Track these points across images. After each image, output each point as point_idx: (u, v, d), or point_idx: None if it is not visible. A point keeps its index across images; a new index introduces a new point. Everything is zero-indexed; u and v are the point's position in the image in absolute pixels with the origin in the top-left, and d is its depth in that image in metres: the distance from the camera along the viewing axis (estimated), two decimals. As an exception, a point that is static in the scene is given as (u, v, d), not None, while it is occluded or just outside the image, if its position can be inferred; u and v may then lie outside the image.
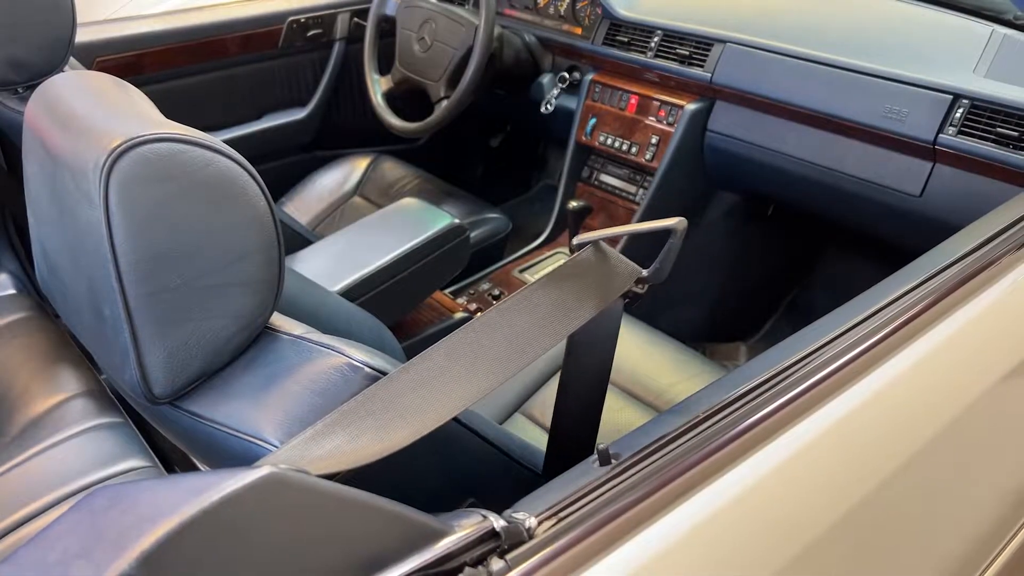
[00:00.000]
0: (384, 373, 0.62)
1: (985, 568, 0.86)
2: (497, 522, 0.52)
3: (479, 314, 0.59)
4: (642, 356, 1.34)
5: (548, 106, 1.80)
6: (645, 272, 0.73)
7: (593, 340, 0.74)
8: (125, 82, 0.77)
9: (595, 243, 0.72)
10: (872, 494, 0.70)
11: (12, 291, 1.55)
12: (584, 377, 0.76)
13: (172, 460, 1.24)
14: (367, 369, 0.61)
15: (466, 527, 0.51)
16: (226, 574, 0.42)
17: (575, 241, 0.73)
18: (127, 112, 0.65)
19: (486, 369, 0.62)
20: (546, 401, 1.32)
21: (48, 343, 1.41)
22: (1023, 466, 0.90)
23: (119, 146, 0.58)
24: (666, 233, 0.72)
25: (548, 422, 1.30)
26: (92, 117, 0.63)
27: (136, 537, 0.41)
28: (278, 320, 0.69)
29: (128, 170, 0.57)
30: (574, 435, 0.77)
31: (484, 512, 0.53)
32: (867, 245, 1.83)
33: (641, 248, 1.67)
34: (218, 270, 0.61)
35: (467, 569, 0.49)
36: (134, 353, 0.61)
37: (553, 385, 1.33)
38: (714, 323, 1.85)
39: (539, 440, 1.28)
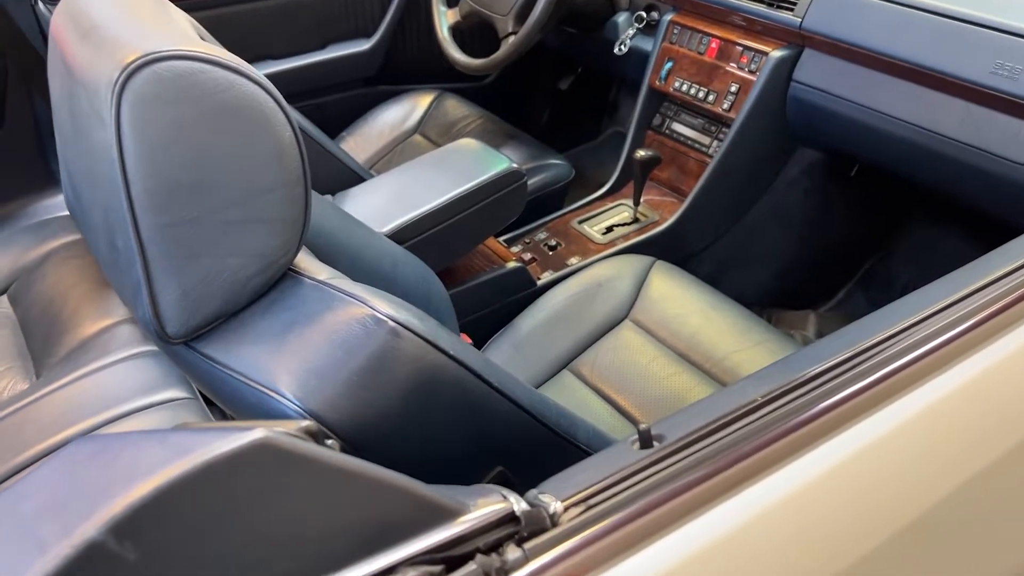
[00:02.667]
0: (410, 327, 0.56)
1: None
2: (518, 504, 0.46)
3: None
4: (702, 319, 1.26)
5: (622, 47, 1.69)
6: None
7: None
8: None
9: None
10: (950, 499, 0.62)
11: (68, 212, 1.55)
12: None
13: (212, 394, 1.23)
14: (391, 323, 0.56)
15: (482, 507, 0.45)
16: (206, 546, 0.38)
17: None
18: (152, 26, 0.60)
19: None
20: (597, 360, 1.25)
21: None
22: None
23: (133, 62, 0.52)
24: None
25: (598, 382, 1.25)
26: (112, 29, 0.58)
27: (109, 499, 0.37)
28: (303, 262, 0.64)
29: (141, 89, 0.52)
30: None
31: (504, 492, 0.47)
32: (958, 216, 1.69)
33: (702, 217, 1.58)
34: (237, 204, 0.56)
35: (479, 556, 0.44)
36: (146, 288, 0.57)
37: (608, 342, 1.27)
38: (783, 288, 1.75)
39: (585, 401, 1.23)
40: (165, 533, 0.37)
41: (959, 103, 1.22)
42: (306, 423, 0.46)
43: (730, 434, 0.53)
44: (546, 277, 1.47)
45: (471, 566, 0.43)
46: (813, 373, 0.59)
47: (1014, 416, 0.67)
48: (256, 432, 0.39)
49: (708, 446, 0.52)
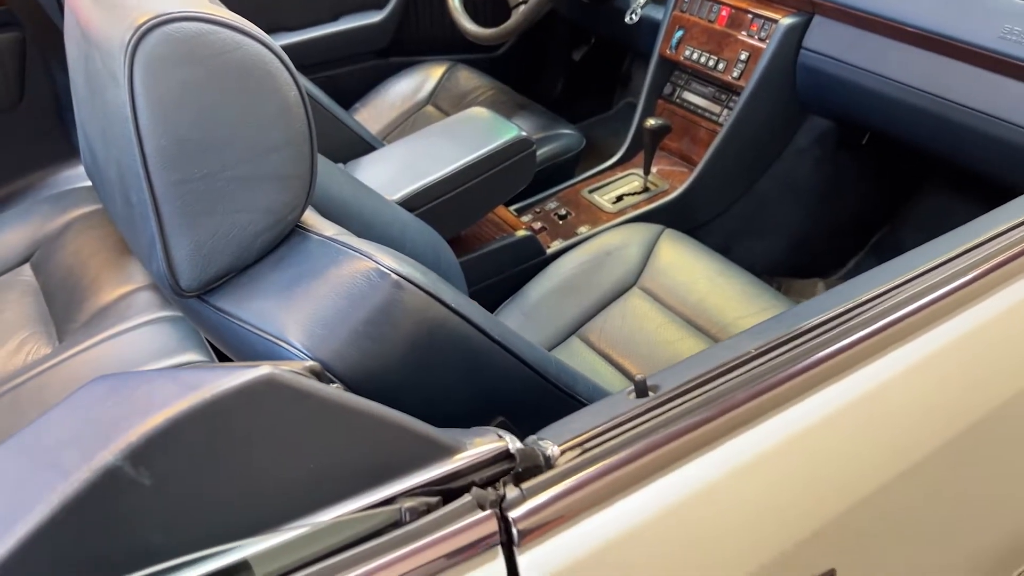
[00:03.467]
0: (412, 280, 0.58)
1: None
2: (513, 443, 0.48)
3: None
4: (710, 286, 1.27)
5: (633, 16, 1.69)
6: None
7: None
8: None
9: None
10: (942, 450, 0.64)
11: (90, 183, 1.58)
12: None
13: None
14: (394, 276, 0.58)
15: (478, 445, 0.48)
16: (216, 474, 0.41)
17: None
18: (163, -11, 0.61)
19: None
20: (605, 326, 1.27)
21: (120, 235, 1.44)
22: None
23: (145, 23, 0.54)
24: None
25: (606, 348, 1.27)
26: (125, -7, 0.60)
27: (125, 429, 0.40)
28: (311, 219, 0.66)
29: (153, 50, 0.54)
30: None
31: (501, 432, 0.50)
32: (970, 184, 1.69)
33: (712, 186, 1.58)
34: (246, 161, 0.58)
35: (475, 489, 0.46)
36: (160, 243, 0.59)
37: (616, 309, 1.28)
38: (793, 257, 1.75)
39: (592, 366, 1.25)
40: (178, 461, 0.40)
41: (968, 68, 1.21)
42: (310, 363, 0.48)
43: (722, 384, 0.55)
44: (556, 246, 1.48)
45: (466, 498, 0.45)
46: (807, 327, 0.60)
47: (1008, 370, 0.69)
48: (262, 369, 0.42)
49: (701, 395, 0.54)
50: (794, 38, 1.43)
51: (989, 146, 1.24)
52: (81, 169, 1.62)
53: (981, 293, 0.66)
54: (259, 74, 0.57)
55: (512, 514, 0.46)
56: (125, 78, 0.55)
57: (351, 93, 1.91)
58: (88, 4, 0.64)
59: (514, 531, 0.45)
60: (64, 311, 1.33)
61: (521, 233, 1.43)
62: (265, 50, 0.58)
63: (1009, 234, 0.69)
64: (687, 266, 1.31)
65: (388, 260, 0.59)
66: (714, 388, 0.55)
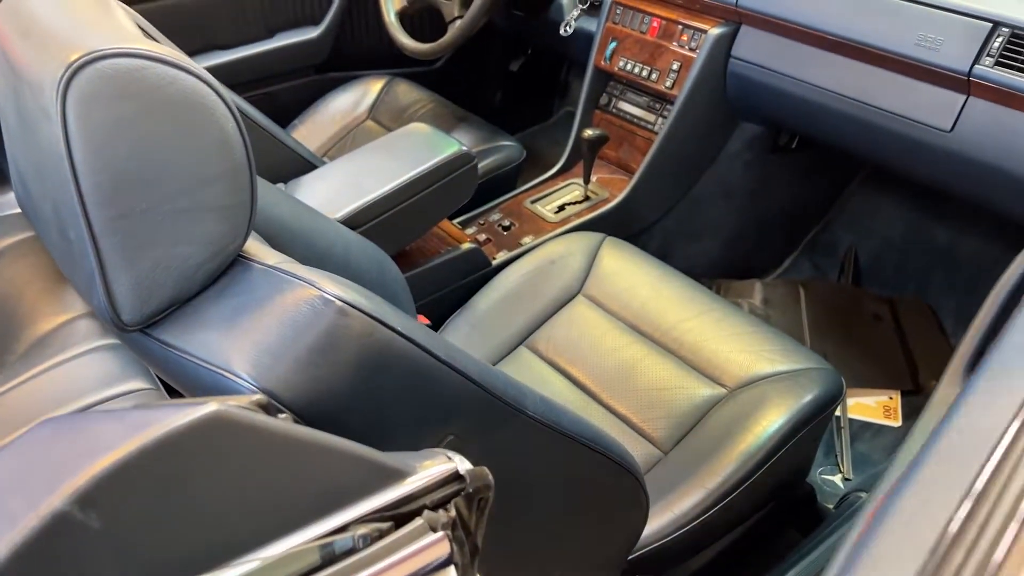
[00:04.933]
0: (356, 306, 0.59)
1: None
2: (462, 464, 0.50)
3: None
4: (651, 292, 1.30)
5: (567, 28, 1.72)
6: None
7: None
8: None
9: None
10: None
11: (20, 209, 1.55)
12: None
13: (173, 383, 1.24)
14: (338, 303, 0.59)
15: (428, 468, 0.49)
16: (167, 514, 0.41)
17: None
18: (93, 24, 0.61)
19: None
20: (552, 335, 1.29)
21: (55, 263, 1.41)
22: None
23: (76, 60, 0.54)
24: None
25: (554, 356, 1.29)
26: (54, 28, 0.60)
27: (72, 472, 0.40)
28: (253, 247, 0.66)
29: (86, 87, 0.54)
30: None
31: (450, 453, 0.51)
32: (894, 181, 1.76)
33: (650, 192, 1.62)
34: (185, 194, 0.58)
35: (426, 512, 0.47)
36: (100, 278, 0.59)
37: (562, 317, 1.31)
38: (730, 258, 1.81)
39: (541, 375, 1.27)
40: (127, 502, 0.40)
41: (887, 74, 1.27)
42: (257, 396, 0.49)
43: None
44: (501, 257, 1.50)
45: (418, 521, 0.46)
46: None
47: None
48: (209, 406, 0.42)
49: None
50: (723, 47, 1.48)
51: (909, 147, 1.30)
52: (11, 195, 1.58)
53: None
54: (195, 107, 0.57)
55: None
56: (58, 115, 0.55)
57: (289, 109, 1.90)
58: (16, 39, 0.63)
59: (467, 550, 0.47)
60: (0, 343, 1.30)
61: (466, 246, 1.44)
62: (200, 83, 0.58)
63: None
64: (629, 273, 1.34)
65: (331, 287, 0.60)
66: None
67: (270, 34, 1.91)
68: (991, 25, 1.14)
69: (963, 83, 1.17)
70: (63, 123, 0.55)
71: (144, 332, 0.63)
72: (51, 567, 0.38)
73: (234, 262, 0.64)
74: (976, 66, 1.15)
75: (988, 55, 1.14)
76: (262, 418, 0.44)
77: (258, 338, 0.59)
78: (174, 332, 0.62)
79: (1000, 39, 1.13)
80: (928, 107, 1.23)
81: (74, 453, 0.41)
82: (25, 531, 0.38)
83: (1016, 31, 1.12)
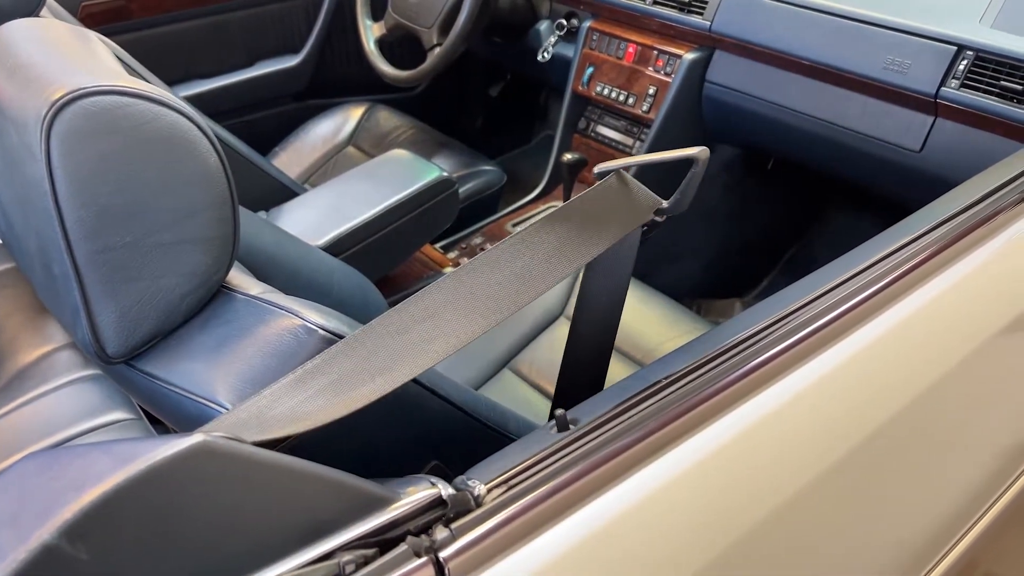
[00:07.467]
0: (340, 335, 0.60)
1: (978, 519, 0.85)
2: (445, 490, 0.51)
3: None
4: (632, 313, 1.32)
5: (545, 54, 1.75)
6: (666, 203, 0.71)
7: (610, 270, 0.73)
8: (89, 32, 0.75)
9: (618, 172, 0.70)
10: (854, 453, 0.69)
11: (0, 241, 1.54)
12: (598, 308, 0.75)
13: (156, 413, 1.24)
14: (321, 332, 0.60)
15: (412, 494, 0.50)
16: (155, 544, 0.42)
17: (597, 169, 0.71)
18: (76, 62, 0.62)
19: (482, 308, 0.60)
20: (535, 357, 1.30)
21: (36, 294, 1.41)
22: (1019, 418, 0.89)
23: (60, 98, 0.55)
24: (680, 165, 0.70)
25: (537, 379, 1.29)
26: (38, 67, 0.61)
27: (61, 505, 0.40)
28: (236, 278, 0.67)
29: (70, 124, 0.55)
30: (588, 370, 0.76)
31: (433, 479, 0.52)
32: (868, 201, 1.79)
33: (649, 183, 1.64)
34: (168, 227, 0.59)
35: (410, 538, 0.48)
36: (84, 312, 0.60)
37: (544, 339, 1.32)
38: (710, 279, 1.83)
39: (525, 397, 1.28)
40: (115, 534, 0.40)
41: (857, 97, 1.30)
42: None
43: (636, 413, 0.58)
44: (483, 280, 1.51)
45: (402, 547, 0.47)
46: (716, 352, 0.64)
47: (914, 372, 0.74)
48: (194, 437, 0.43)
49: (620, 424, 0.57)
50: (698, 72, 1.51)
51: (881, 167, 1.33)
52: (-8, 227, 1.57)
53: (886, 303, 0.72)
54: (177, 142, 0.59)
55: (443, 554, 0.48)
56: (42, 153, 0.56)
57: (270, 137, 1.91)
58: (1, 77, 0.64)
59: (446, 571, 0.47)
60: (-20, 376, 1.29)
61: (448, 270, 1.45)
62: (182, 118, 0.59)
63: (905, 249, 0.75)
64: (609, 294, 1.35)
65: (314, 316, 0.61)
66: (633, 416, 0.58)
67: (251, 62, 1.92)
68: (956, 48, 1.17)
69: (931, 105, 1.20)
70: (47, 159, 0.56)
71: (128, 364, 0.63)
72: (40, 600, 0.38)
73: (217, 293, 0.65)
74: (943, 88, 1.18)
75: (954, 77, 1.17)
76: (247, 447, 0.45)
77: (242, 368, 0.60)
78: (158, 363, 0.63)
79: (965, 62, 1.16)
80: (898, 128, 1.26)
81: (62, 486, 0.42)
82: (14, 564, 0.38)
83: (980, 54, 1.15)
